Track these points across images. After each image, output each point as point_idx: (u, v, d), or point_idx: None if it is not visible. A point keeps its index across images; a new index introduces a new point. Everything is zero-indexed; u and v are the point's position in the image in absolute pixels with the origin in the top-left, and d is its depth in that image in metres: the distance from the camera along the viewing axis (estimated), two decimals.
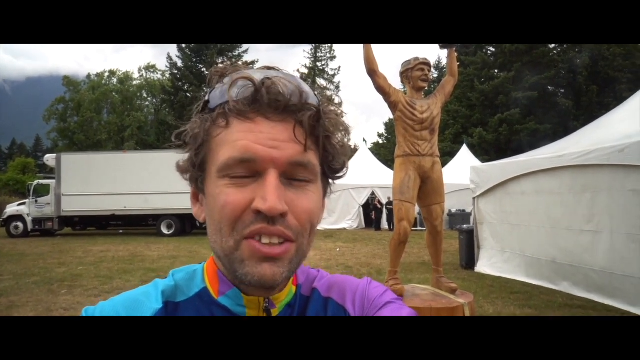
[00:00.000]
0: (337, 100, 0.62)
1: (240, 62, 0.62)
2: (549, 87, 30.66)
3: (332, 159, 0.60)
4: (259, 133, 0.54)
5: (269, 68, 0.59)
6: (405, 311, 0.62)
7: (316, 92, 0.59)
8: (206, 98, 0.59)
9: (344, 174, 0.64)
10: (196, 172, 0.60)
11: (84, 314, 0.58)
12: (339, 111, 0.61)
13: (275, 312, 0.62)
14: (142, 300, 0.60)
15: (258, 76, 0.54)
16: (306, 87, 0.57)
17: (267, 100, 0.53)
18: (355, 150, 22.54)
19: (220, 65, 0.61)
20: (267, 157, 0.53)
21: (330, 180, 0.65)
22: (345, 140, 0.61)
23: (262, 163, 0.53)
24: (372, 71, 3.86)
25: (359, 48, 4.47)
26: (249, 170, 0.54)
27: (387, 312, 0.62)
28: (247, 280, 0.55)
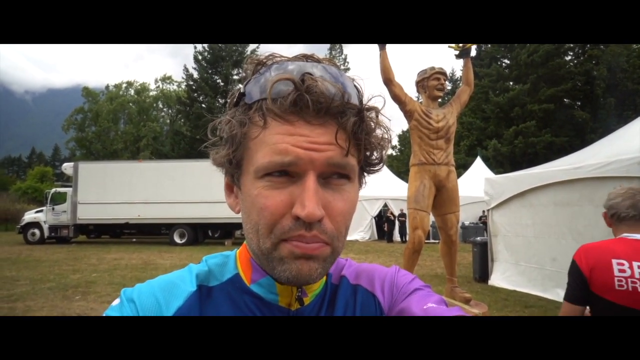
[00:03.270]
0: (375, 93, 0.60)
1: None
2: (565, 100, 30.32)
3: (370, 154, 0.60)
4: (299, 136, 0.53)
5: (307, 58, 0.58)
6: (433, 298, 0.62)
7: (356, 84, 0.58)
8: (242, 90, 0.58)
9: (381, 168, 0.63)
10: (233, 168, 0.60)
11: (122, 295, 0.60)
12: (380, 107, 0.59)
13: (307, 301, 0.63)
14: (177, 282, 0.62)
15: (298, 73, 0.53)
16: (349, 86, 0.56)
17: (308, 103, 0.52)
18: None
19: (257, 55, 0.59)
20: (306, 160, 0.53)
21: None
22: (386, 135, 0.60)
23: (301, 166, 0.53)
24: (389, 80, 3.88)
25: (370, 58, 4.49)
26: (287, 172, 0.54)
27: (415, 298, 0.63)
28: (284, 277, 0.55)
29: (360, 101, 0.57)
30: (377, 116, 0.58)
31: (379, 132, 0.58)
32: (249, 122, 0.56)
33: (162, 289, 0.61)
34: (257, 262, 0.62)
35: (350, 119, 0.53)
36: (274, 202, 0.53)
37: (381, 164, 0.62)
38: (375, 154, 0.60)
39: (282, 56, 0.59)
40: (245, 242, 0.66)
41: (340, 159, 0.54)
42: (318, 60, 0.58)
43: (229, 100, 0.61)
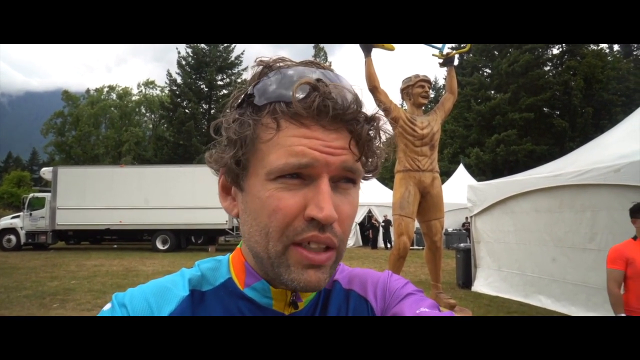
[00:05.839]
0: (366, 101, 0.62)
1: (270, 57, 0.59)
2: (545, 109, 31.06)
3: (368, 162, 0.61)
4: (315, 140, 0.54)
5: (317, 66, 0.59)
6: (426, 303, 0.62)
7: (356, 91, 0.59)
8: (249, 91, 0.58)
9: (375, 175, 0.64)
10: (238, 170, 0.58)
11: (114, 299, 0.60)
12: (382, 117, 0.60)
13: (301, 305, 0.63)
14: (170, 287, 0.62)
15: (313, 79, 0.54)
16: (359, 95, 0.58)
17: (328, 109, 0.53)
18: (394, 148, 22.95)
19: (265, 57, 0.59)
20: (322, 162, 0.53)
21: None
22: (384, 144, 0.61)
23: (317, 168, 0.54)
24: (374, 87, 3.92)
25: (355, 65, 4.53)
26: (302, 174, 0.54)
27: (408, 303, 0.63)
28: (292, 286, 0.56)
29: (365, 109, 0.58)
30: (377, 124, 0.59)
31: (379, 140, 0.60)
32: (260, 124, 0.56)
33: (154, 293, 0.60)
34: (253, 267, 0.62)
35: (363, 127, 0.55)
36: (287, 203, 0.54)
37: (376, 171, 0.63)
38: (373, 161, 0.61)
39: (291, 61, 0.60)
40: (239, 247, 0.66)
41: (352, 164, 0.56)
42: (322, 67, 0.59)
43: (231, 101, 0.61)
